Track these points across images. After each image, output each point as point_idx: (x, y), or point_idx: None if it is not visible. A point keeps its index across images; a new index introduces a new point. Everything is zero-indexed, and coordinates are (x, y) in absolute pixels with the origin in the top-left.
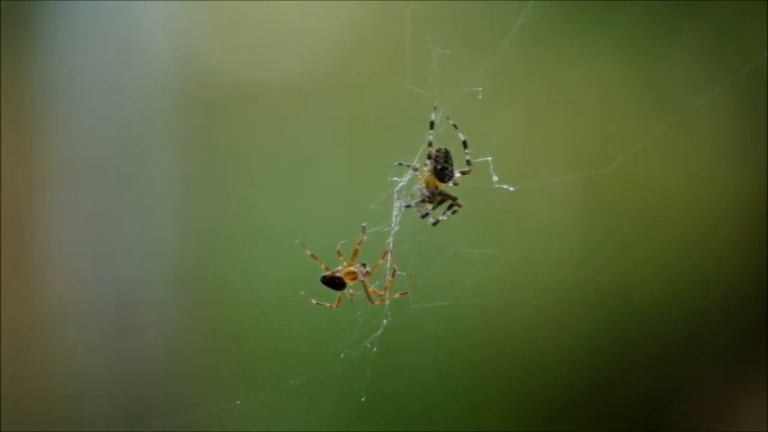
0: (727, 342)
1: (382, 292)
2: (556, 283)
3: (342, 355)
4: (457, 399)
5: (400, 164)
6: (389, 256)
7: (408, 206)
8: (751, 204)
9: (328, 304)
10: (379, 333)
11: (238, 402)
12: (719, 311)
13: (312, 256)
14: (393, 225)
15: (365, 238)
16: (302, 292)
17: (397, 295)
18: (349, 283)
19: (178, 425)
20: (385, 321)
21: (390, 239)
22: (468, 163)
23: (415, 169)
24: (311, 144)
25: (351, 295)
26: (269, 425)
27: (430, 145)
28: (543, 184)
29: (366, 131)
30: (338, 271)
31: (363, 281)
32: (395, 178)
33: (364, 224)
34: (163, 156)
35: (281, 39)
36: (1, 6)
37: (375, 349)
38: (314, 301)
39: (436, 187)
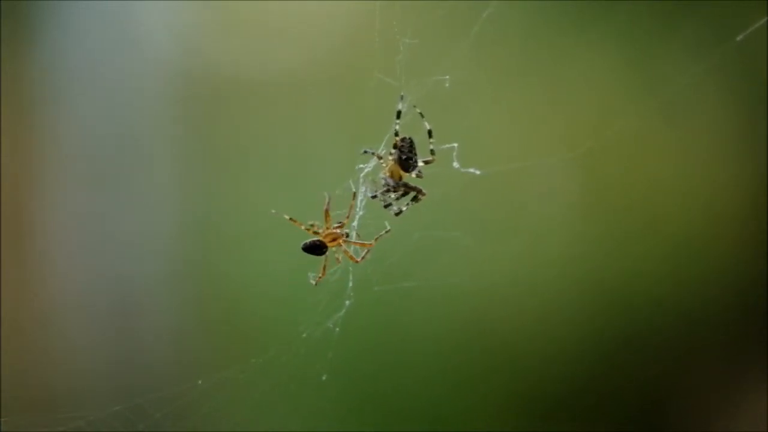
0: (727, 339)
1: (362, 254)
2: (548, 277)
3: (304, 335)
4: (424, 379)
5: (366, 152)
6: (355, 206)
7: (374, 197)
8: (751, 199)
9: (299, 223)
10: (341, 314)
11: (200, 382)
12: (719, 307)
13: (291, 219)
14: (358, 209)
15: (329, 200)
16: (273, 211)
17: (383, 233)
18: (331, 245)
19: (135, 409)
20: (347, 302)
21: (358, 200)
22: (432, 152)
23: (380, 158)
24: (310, 139)
25: (338, 259)
26: (230, 405)
27: (396, 134)
28: (516, 168)
29: (366, 126)
30: (319, 235)
31: (342, 241)
32: (361, 165)
33: (326, 192)
34: (162, 152)
35: (280, 35)
36: (0, 3)
37: (337, 329)
38: (287, 217)
39: (400, 178)
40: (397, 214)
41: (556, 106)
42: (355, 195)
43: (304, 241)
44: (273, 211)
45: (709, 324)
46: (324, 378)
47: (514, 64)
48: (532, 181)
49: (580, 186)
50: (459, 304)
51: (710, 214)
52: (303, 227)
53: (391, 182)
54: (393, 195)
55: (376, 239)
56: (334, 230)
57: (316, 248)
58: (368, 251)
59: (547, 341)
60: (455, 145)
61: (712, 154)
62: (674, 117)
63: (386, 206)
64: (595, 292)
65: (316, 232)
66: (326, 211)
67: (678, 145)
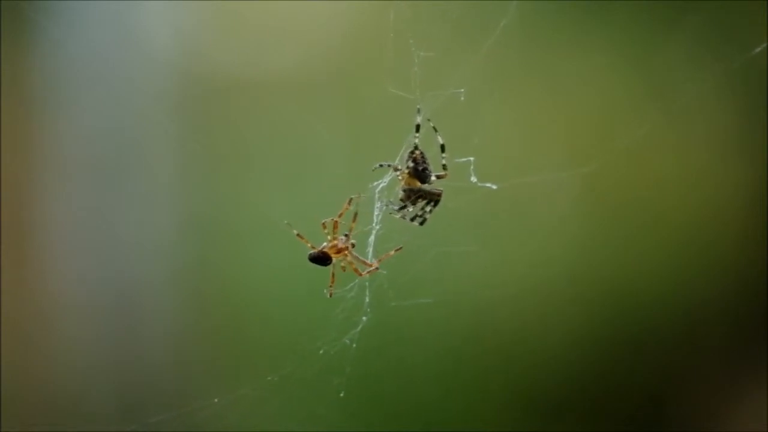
0: (728, 339)
1: (371, 264)
2: (549, 278)
3: (321, 351)
4: (440, 394)
5: (381, 165)
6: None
7: (402, 208)
8: (751, 198)
9: (306, 240)
10: (358, 329)
11: (216, 400)
12: (719, 307)
13: (298, 235)
14: (374, 224)
15: (349, 208)
16: (285, 221)
17: (392, 252)
18: (336, 257)
19: (153, 425)
20: (364, 318)
21: (377, 210)
22: (444, 167)
23: (396, 169)
24: (312, 138)
25: (343, 267)
26: (245, 422)
27: (416, 147)
28: (530, 181)
29: (366, 125)
30: (324, 247)
31: (348, 252)
32: (374, 183)
33: (353, 196)
34: (163, 150)
35: (282, 33)
36: (0, 3)
37: (354, 345)
38: (296, 232)
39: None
40: (421, 224)
41: (568, 115)
42: (356, 216)
43: (310, 252)
44: (286, 221)
45: (709, 324)
46: (342, 395)
47: (526, 73)
48: (541, 188)
49: (583, 188)
50: (450, 302)
51: (712, 215)
52: (309, 245)
53: (410, 191)
54: (411, 209)
55: (380, 260)
56: (339, 242)
57: (320, 259)
58: (374, 268)
59: (550, 342)
60: (471, 158)
61: (712, 151)
62: (677, 119)
63: (412, 219)
64: (595, 293)
65: (313, 247)
66: (337, 219)
67: (677, 142)
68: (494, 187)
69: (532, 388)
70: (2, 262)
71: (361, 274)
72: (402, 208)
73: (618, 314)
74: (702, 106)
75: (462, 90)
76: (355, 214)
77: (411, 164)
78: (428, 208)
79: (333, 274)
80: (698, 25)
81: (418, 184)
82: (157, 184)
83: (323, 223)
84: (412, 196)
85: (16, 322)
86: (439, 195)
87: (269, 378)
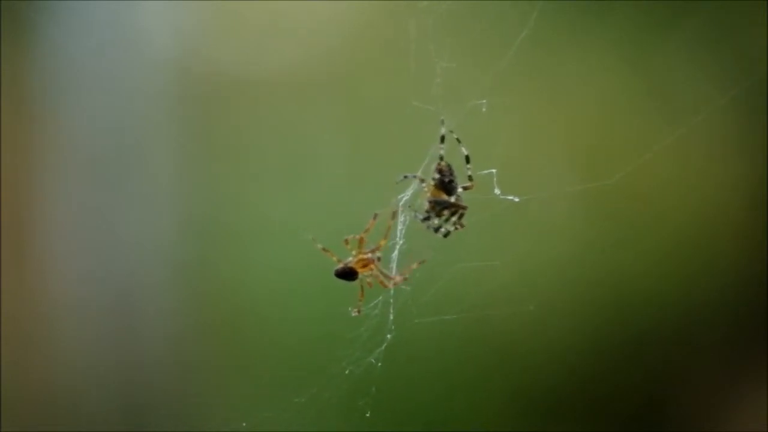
0: (728, 338)
1: (395, 278)
2: (556, 282)
3: (347, 372)
4: (442, 392)
5: (405, 177)
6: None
7: (426, 219)
8: (750, 200)
9: (332, 253)
10: (383, 348)
11: (244, 424)
12: (719, 307)
13: (324, 249)
14: (399, 238)
15: (374, 222)
16: (311, 237)
17: (415, 265)
18: (362, 271)
19: None
20: (388, 336)
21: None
22: (470, 178)
23: (422, 180)
24: (312, 138)
25: (369, 282)
26: None
27: (441, 158)
28: (551, 195)
29: (366, 125)
30: (350, 261)
31: (374, 266)
32: (399, 196)
33: (377, 212)
34: (163, 150)
35: (282, 33)
36: (0, 3)
37: (380, 364)
38: (320, 246)
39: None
40: (445, 236)
41: (583, 122)
42: (395, 214)
43: (336, 267)
44: (311, 237)
45: (709, 324)
46: (368, 415)
47: (539, 81)
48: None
49: (583, 190)
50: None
51: (712, 215)
52: (335, 258)
53: (440, 203)
54: (437, 221)
55: (403, 275)
56: (366, 255)
57: (347, 275)
58: (401, 279)
59: (550, 342)
60: (493, 171)
61: (711, 152)
62: (677, 118)
63: (436, 230)
64: (595, 293)
65: (340, 260)
66: (364, 234)
67: (676, 144)
68: (516, 199)
69: (532, 389)
70: (2, 262)
71: (386, 286)
72: (426, 219)
73: (617, 314)
74: (702, 107)
75: (484, 101)
76: (394, 213)
77: (437, 176)
78: (453, 219)
79: (362, 288)
80: (698, 26)
81: (445, 195)
82: (157, 184)
83: (346, 240)
84: (437, 207)
85: (16, 322)
86: (465, 208)
87: (297, 400)
